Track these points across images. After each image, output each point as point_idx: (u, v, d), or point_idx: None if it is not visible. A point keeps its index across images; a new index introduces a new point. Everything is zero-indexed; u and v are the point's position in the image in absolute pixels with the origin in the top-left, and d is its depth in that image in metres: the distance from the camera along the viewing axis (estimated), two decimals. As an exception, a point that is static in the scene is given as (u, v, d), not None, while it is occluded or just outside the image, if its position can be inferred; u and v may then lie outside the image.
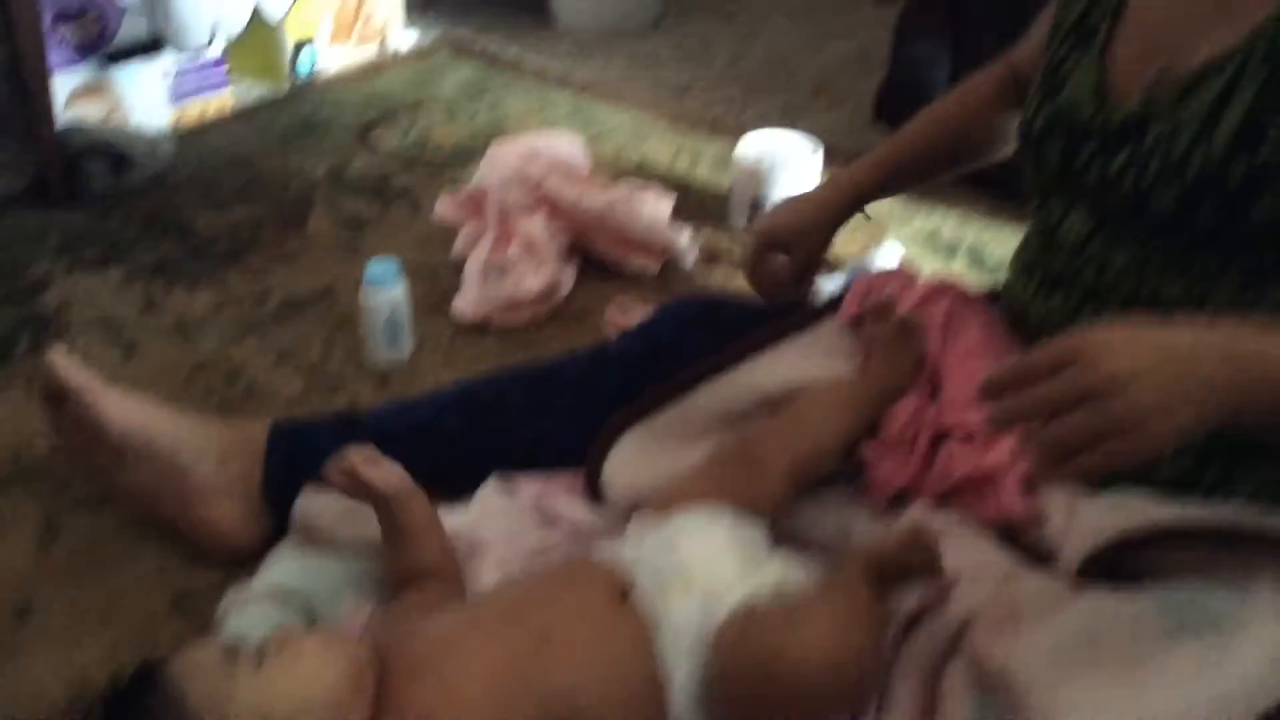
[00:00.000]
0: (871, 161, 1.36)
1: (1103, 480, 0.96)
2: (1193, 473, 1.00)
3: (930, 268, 1.89)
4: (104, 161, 2.02)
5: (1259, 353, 0.79)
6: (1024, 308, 1.16)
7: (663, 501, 1.07)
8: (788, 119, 2.41)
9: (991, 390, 0.82)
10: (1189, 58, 1.00)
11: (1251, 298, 0.97)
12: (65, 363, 1.26)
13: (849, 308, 1.24)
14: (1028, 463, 0.99)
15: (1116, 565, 0.92)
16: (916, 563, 0.90)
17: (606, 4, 2.74)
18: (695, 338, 1.29)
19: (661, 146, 2.26)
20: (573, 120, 2.36)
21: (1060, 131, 1.09)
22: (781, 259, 1.36)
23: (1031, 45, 1.26)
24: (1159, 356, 0.77)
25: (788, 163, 1.93)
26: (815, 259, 1.37)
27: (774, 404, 1.19)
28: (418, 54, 2.64)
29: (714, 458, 1.12)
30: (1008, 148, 1.34)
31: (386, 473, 1.10)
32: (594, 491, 1.23)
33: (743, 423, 1.19)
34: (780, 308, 1.33)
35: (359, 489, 1.10)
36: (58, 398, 1.27)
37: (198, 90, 2.29)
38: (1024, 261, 1.18)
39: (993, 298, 1.26)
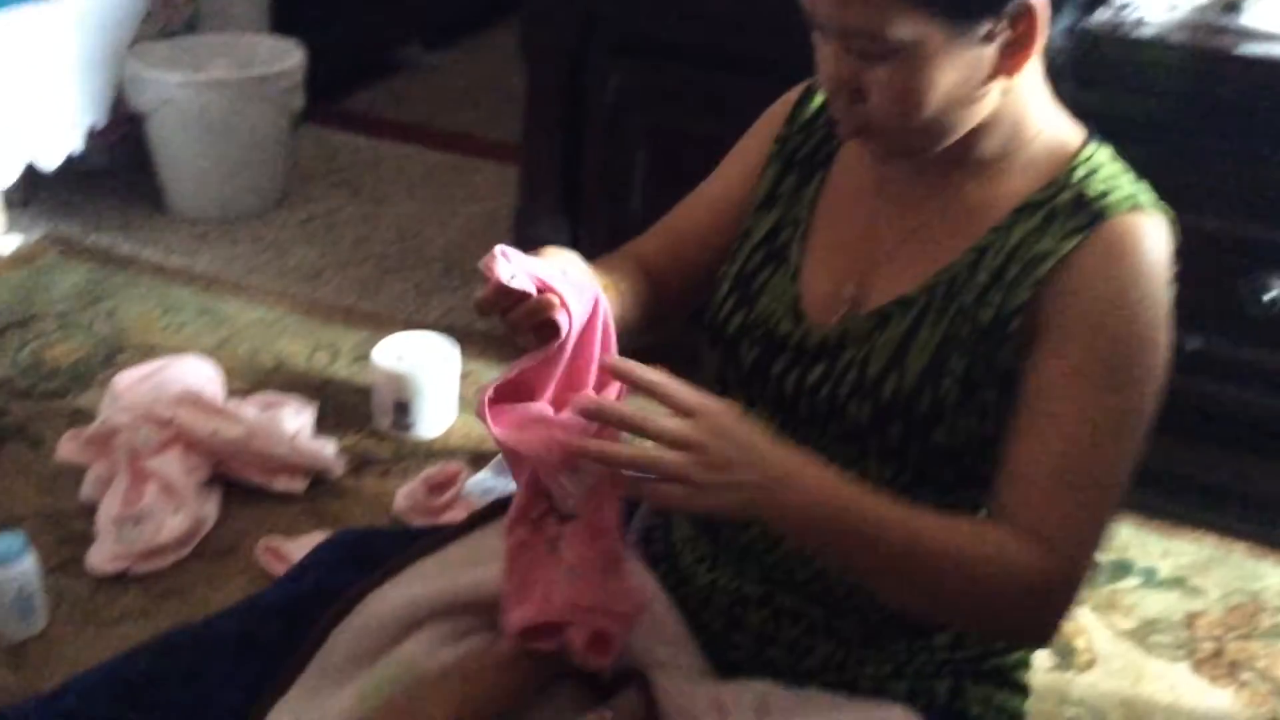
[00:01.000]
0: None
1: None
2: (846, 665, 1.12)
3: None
4: None
5: (800, 489, 0.94)
6: None
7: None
8: (421, 300, 2.45)
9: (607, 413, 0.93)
10: (880, 288, 1.09)
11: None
12: None
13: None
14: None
15: None
16: None
17: (223, 187, 2.69)
18: (349, 575, 1.29)
19: (297, 344, 2.25)
20: (200, 321, 2.30)
21: (756, 340, 1.14)
22: None
23: (660, 240, 1.28)
24: (741, 453, 0.92)
25: (427, 365, 1.97)
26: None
27: (416, 622, 1.21)
28: (22, 258, 2.49)
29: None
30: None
31: None
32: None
33: (388, 648, 1.21)
34: (425, 530, 1.33)
35: None
36: None
37: None
38: None
39: None
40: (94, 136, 2.61)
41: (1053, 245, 1.01)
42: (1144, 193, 1.05)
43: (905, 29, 0.95)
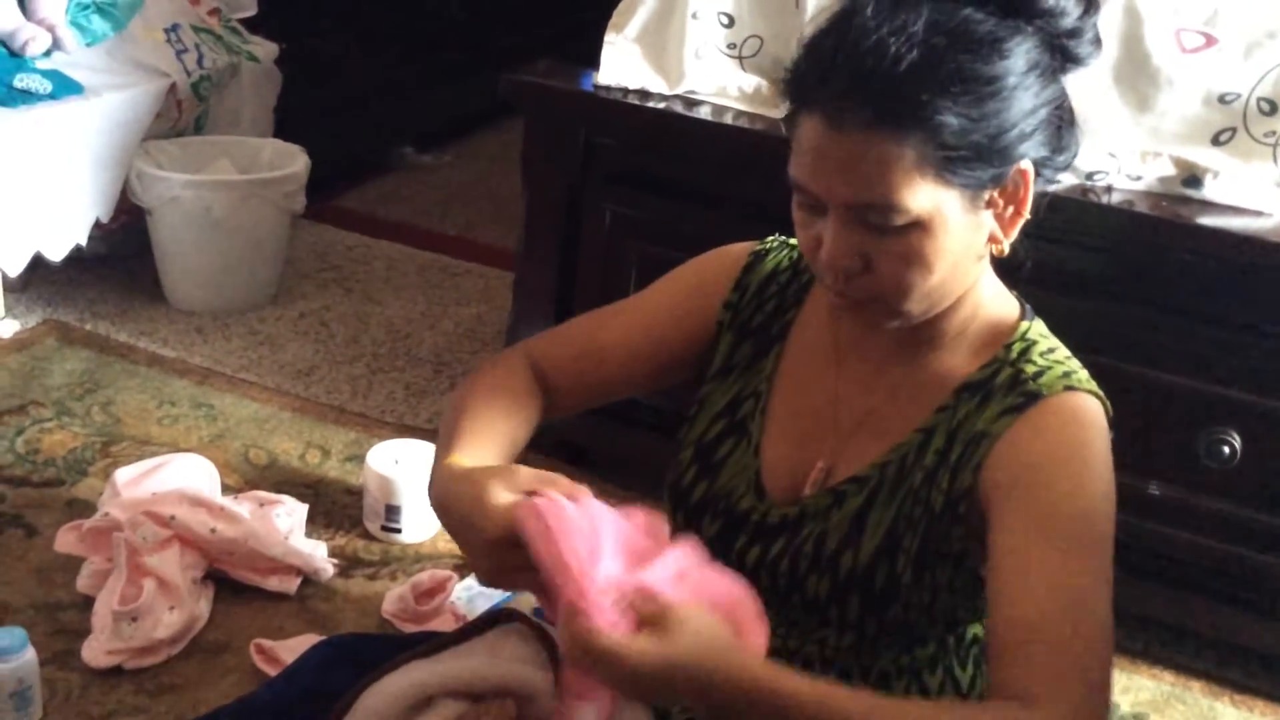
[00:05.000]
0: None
1: None
2: None
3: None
4: None
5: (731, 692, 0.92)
6: None
7: None
8: (411, 401, 2.52)
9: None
10: (838, 466, 1.12)
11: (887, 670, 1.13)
12: None
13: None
14: None
15: None
16: None
17: (221, 282, 2.76)
18: (341, 678, 1.34)
19: (289, 442, 2.31)
20: (195, 415, 2.35)
21: (718, 513, 1.16)
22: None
23: (559, 344, 1.27)
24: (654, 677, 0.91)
25: (420, 470, 2.03)
26: None
27: (425, 700, 1.26)
28: (19, 343, 2.54)
29: None
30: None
31: None
32: None
33: None
34: (416, 637, 1.37)
35: None
36: None
37: None
38: None
39: None
40: (96, 225, 2.68)
41: (991, 426, 1.04)
42: (1077, 371, 1.08)
43: (924, 199, 0.98)
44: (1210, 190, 1.77)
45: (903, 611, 1.09)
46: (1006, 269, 1.11)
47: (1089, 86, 1.82)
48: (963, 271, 1.05)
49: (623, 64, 2.09)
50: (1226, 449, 1.74)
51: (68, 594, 1.83)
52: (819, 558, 1.10)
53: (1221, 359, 1.75)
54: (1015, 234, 1.06)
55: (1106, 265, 1.78)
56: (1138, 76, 1.81)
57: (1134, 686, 1.90)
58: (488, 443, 1.15)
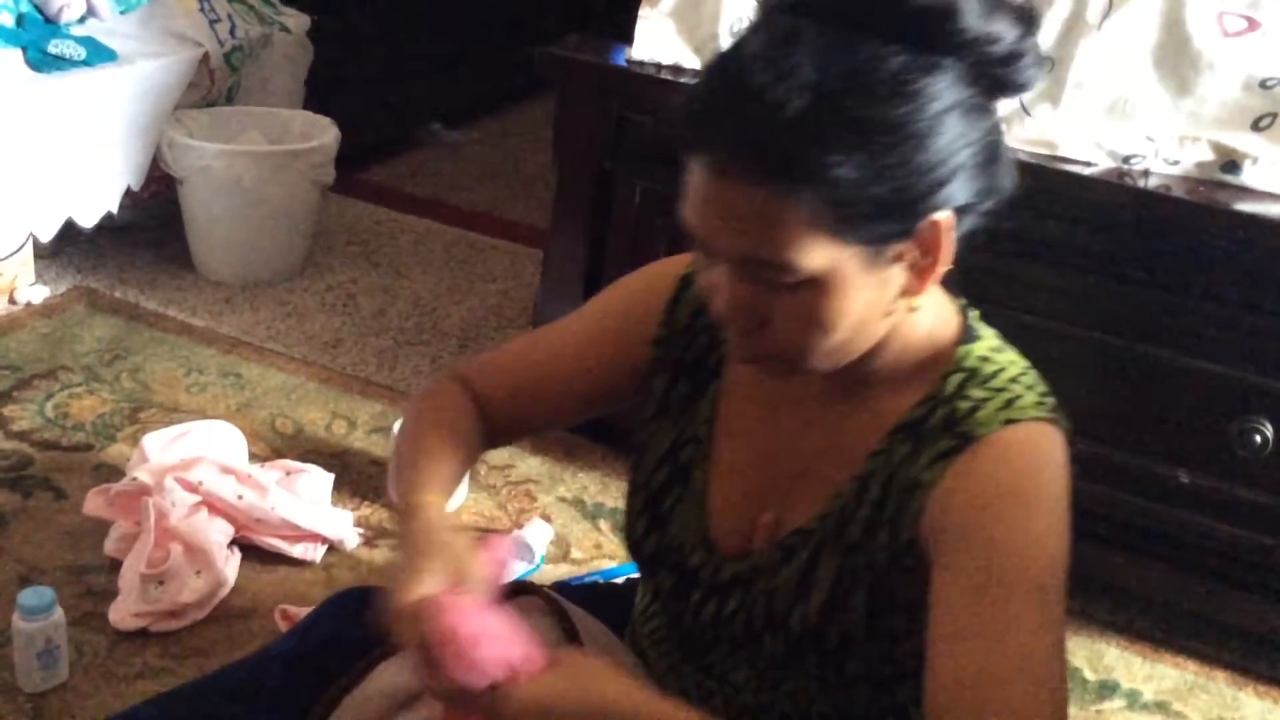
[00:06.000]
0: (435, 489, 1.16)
1: None
2: None
3: (578, 532, 2.05)
4: None
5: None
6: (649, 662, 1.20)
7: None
8: (437, 373, 2.52)
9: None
10: (784, 518, 1.05)
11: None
12: None
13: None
14: None
15: None
16: None
17: (249, 253, 2.77)
18: (354, 630, 1.32)
19: (316, 412, 2.31)
20: (223, 384, 2.36)
21: (671, 567, 1.12)
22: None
23: (495, 377, 1.22)
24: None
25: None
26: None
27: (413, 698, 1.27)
28: (50, 308, 2.55)
29: None
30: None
31: None
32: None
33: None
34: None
35: None
36: None
37: None
38: (649, 633, 1.21)
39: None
40: (127, 194, 2.69)
41: (924, 474, 0.97)
42: (1022, 396, 0.98)
43: (817, 258, 0.89)
44: (1249, 176, 1.75)
45: (863, 664, 1.03)
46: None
47: (1128, 69, 1.80)
48: (871, 329, 0.96)
49: (656, 39, 2.08)
50: (1259, 438, 1.73)
51: (95, 557, 1.84)
52: (771, 616, 1.04)
53: (1257, 346, 1.73)
54: (932, 285, 0.95)
55: (1140, 250, 1.76)
56: (1178, 60, 1.79)
57: (1157, 675, 1.89)
58: (445, 484, 1.14)
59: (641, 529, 1.15)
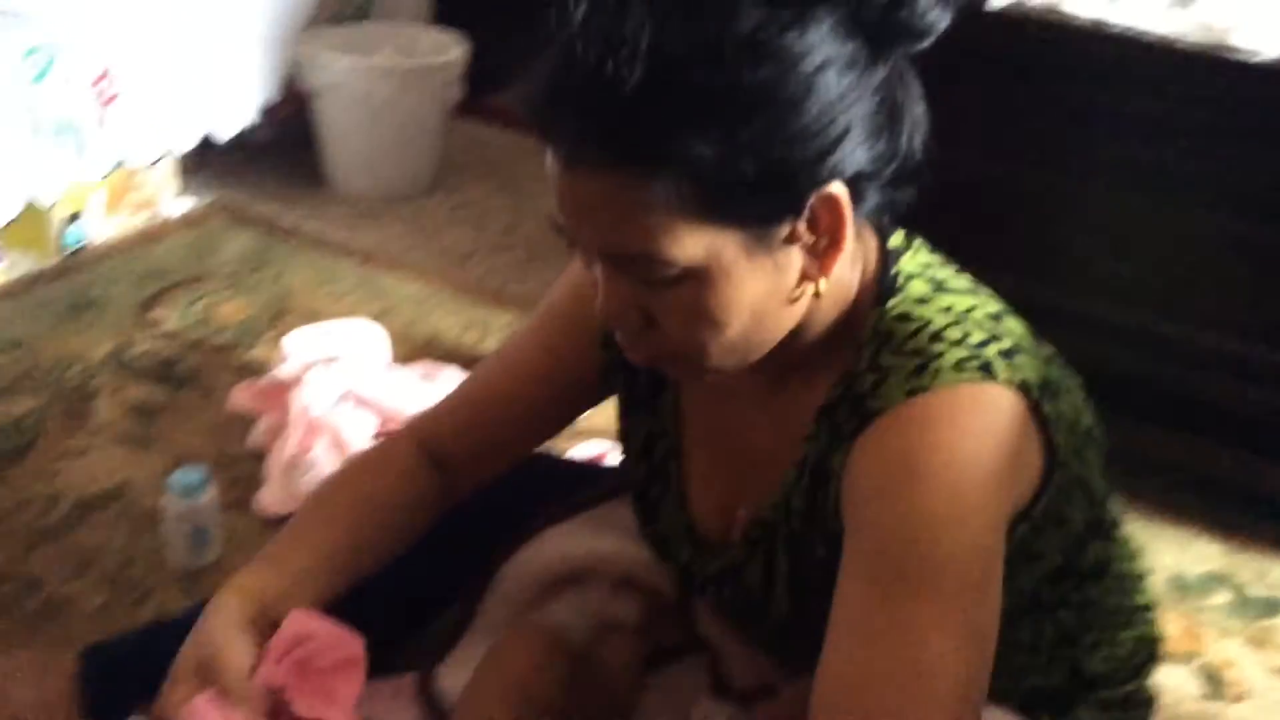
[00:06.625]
0: (287, 570, 1.10)
1: None
2: None
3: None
4: None
5: None
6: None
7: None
8: (568, 287, 2.52)
9: None
10: (752, 509, 1.03)
11: None
12: None
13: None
14: None
15: None
16: None
17: (381, 169, 2.79)
18: (510, 494, 1.27)
19: (450, 319, 2.33)
20: (359, 293, 2.39)
21: (669, 556, 1.13)
22: None
23: (448, 418, 1.18)
24: None
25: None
26: None
27: (573, 577, 1.27)
28: (192, 220, 2.61)
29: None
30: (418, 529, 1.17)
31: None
32: (429, 699, 1.26)
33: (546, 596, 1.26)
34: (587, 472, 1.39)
35: None
36: None
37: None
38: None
39: None
40: (264, 112, 2.72)
41: (835, 460, 0.91)
42: (945, 354, 0.86)
43: (691, 247, 0.81)
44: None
45: None
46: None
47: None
48: (774, 320, 0.87)
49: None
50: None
51: (243, 448, 1.88)
52: (751, 608, 1.05)
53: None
54: (836, 268, 0.86)
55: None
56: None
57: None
58: (289, 572, 1.09)
59: (642, 523, 1.15)
